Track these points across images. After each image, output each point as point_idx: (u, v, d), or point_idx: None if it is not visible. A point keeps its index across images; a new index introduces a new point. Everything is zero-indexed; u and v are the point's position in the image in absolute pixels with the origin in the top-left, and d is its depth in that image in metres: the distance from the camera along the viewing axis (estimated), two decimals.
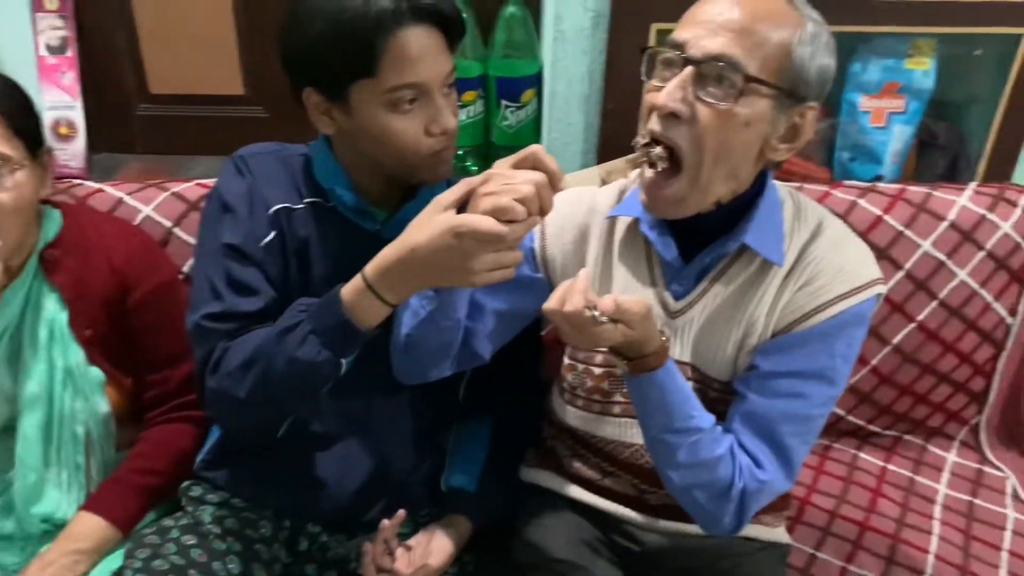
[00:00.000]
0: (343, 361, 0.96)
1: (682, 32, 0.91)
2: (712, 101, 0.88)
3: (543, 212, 0.85)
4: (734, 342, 1.02)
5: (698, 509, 1.03)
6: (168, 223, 1.32)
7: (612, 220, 1.07)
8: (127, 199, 1.33)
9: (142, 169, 1.71)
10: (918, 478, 1.48)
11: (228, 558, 1.09)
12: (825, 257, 0.99)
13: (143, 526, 1.15)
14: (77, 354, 1.12)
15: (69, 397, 1.12)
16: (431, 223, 0.86)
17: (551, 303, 0.90)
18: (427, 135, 0.99)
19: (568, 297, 0.89)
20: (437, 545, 1.09)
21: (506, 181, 0.84)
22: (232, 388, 0.98)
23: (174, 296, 1.18)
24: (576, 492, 1.18)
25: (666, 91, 0.90)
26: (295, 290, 1.07)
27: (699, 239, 1.00)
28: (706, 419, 1.00)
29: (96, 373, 1.13)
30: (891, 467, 1.50)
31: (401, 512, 1.07)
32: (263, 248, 1.05)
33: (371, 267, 0.92)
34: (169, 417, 1.19)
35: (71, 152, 1.62)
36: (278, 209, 1.07)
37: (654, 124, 0.92)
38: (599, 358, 1.08)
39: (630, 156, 0.90)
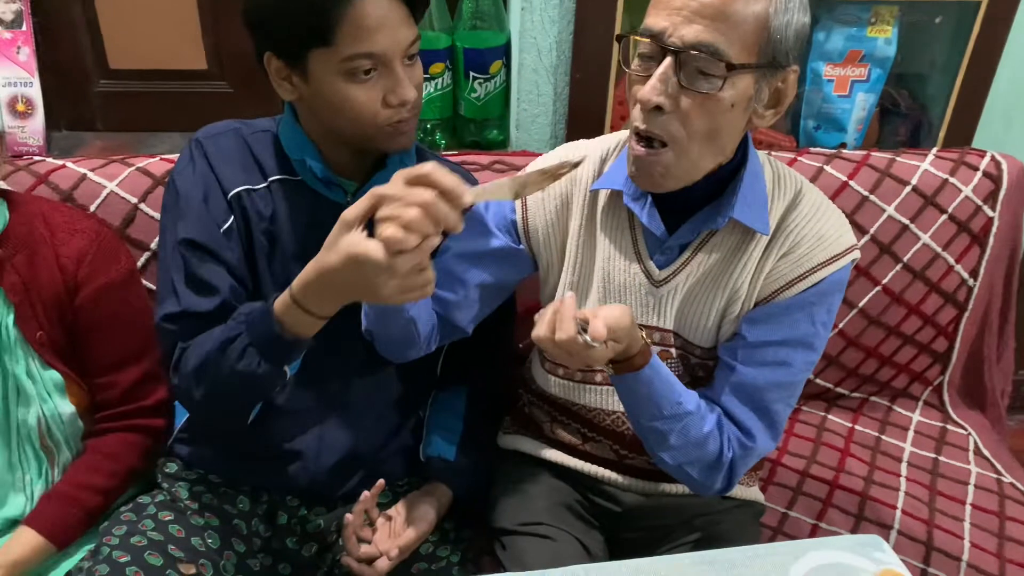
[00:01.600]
0: (286, 369, 0.97)
1: (656, 19, 0.89)
2: (696, 90, 0.88)
3: (446, 231, 0.81)
4: (717, 309, 1.04)
5: (691, 480, 1.06)
6: (134, 199, 1.30)
7: (595, 191, 1.06)
8: (91, 175, 1.30)
9: (103, 147, 1.67)
10: (884, 437, 1.51)
11: (207, 533, 1.09)
12: (805, 225, 1.01)
13: (119, 504, 1.14)
14: (27, 358, 1.07)
15: (25, 403, 1.07)
16: (337, 245, 0.85)
17: (540, 331, 0.90)
18: (385, 106, 0.99)
19: (559, 324, 0.89)
20: (418, 514, 1.09)
21: (398, 204, 0.79)
22: (190, 389, 1.01)
23: (123, 296, 1.13)
24: (555, 456, 1.20)
25: (649, 86, 0.89)
26: (266, 270, 1.07)
27: (682, 209, 1.01)
28: (691, 400, 1.02)
29: (53, 376, 1.08)
30: (858, 428, 1.53)
31: (380, 482, 1.07)
32: (222, 235, 1.04)
33: (297, 282, 0.92)
34: (118, 425, 1.14)
35: (29, 130, 1.57)
36: (238, 192, 1.06)
37: (639, 120, 0.92)
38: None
39: (546, 167, 0.85)
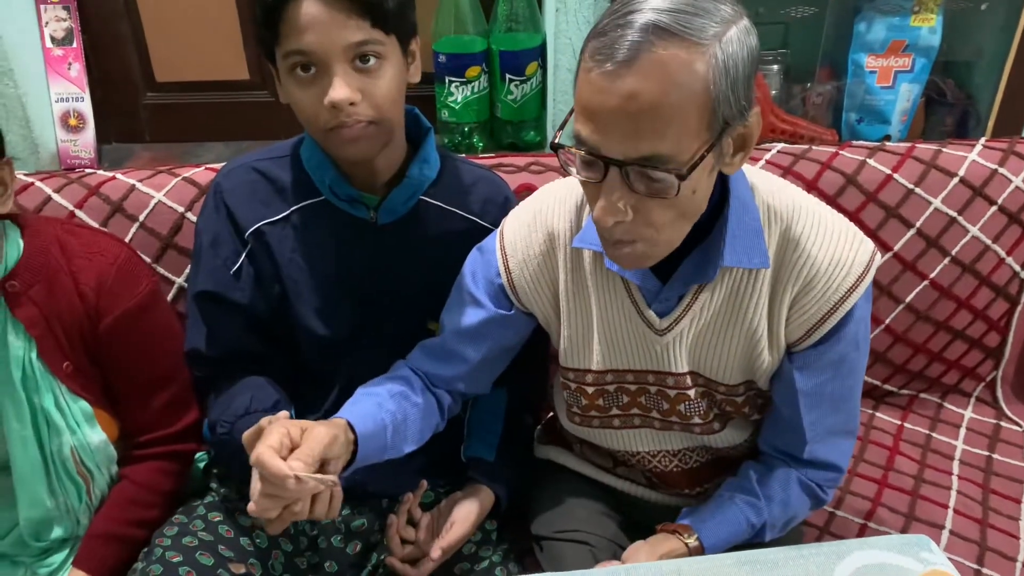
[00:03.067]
0: None
1: (588, 131, 0.78)
2: (653, 196, 0.79)
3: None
4: (738, 349, 0.98)
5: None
6: (181, 208, 1.33)
7: (577, 249, 0.99)
8: (139, 186, 1.34)
9: (152, 158, 1.72)
10: (935, 435, 1.48)
11: (255, 533, 1.11)
12: (815, 252, 0.92)
13: None
14: (55, 389, 1.04)
15: (56, 434, 1.05)
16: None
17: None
18: (323, 106, 0.97)
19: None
20: (460, 514, 1.10)
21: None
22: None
23: (147, 321, 1.09)
24: (588, 471, 1.20)
25: (601, 208, 0.80)
26: (301, 295, 1.11)
27: (672, 256, 0.90)
28: (766, 507, 1.03)
29: (82, 406, 1.06)
30: (908, 425, 1.50)
31: (423, 483, 1.09)
32: (232, 276, 1.10)
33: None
34: (150, 453, 1.13)
35: (81, 143, 1.63)
36: (257, 228, 1.09)
37: (604, 233, 0.84)
38: (589, 377, 1.05)
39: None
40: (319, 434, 0.87)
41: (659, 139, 0.75)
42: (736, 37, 0.76)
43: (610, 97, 0.74)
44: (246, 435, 0.87)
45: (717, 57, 0.74)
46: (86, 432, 1.06)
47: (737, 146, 0.83)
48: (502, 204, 1.16)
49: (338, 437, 0.90)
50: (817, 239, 0.92)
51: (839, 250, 0.92)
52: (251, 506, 0.85)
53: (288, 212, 1.10)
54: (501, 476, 1.16)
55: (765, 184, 0.95)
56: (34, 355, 1.02)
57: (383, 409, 0.99)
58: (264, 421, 0.87)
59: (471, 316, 1.06)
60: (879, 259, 0.97)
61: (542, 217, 1.01)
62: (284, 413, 0.92)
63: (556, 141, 0.82)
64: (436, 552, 1.05)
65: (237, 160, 1.15)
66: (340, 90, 0.95)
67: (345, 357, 1.13)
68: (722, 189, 0.90)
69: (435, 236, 1.12)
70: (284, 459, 0.82)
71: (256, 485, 0.84)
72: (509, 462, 1.18)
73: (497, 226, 1.11)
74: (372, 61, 0.97)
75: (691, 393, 1.02)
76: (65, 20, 1.58)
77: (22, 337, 1.02)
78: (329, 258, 1.10)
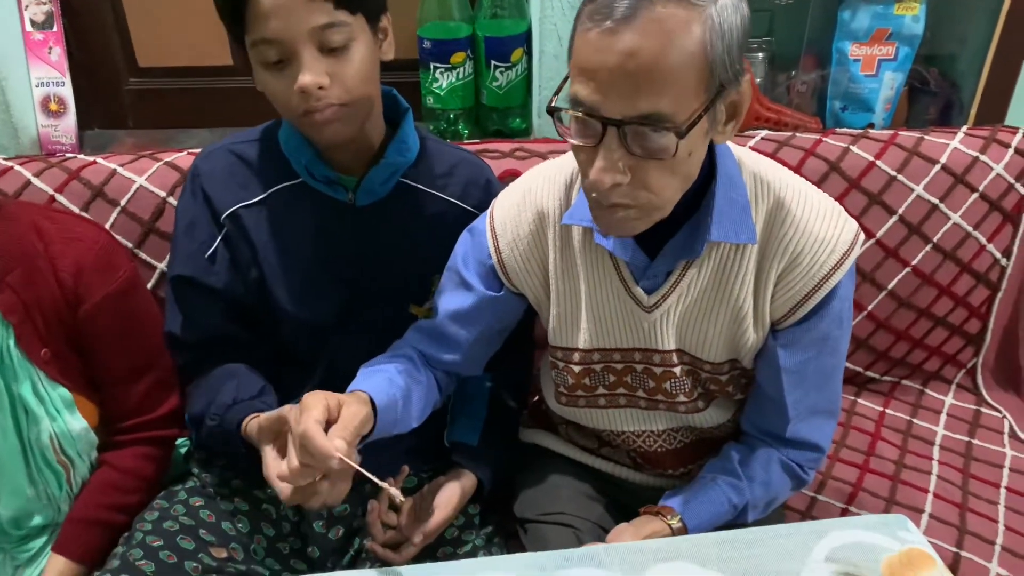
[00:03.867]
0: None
1: (586, 90, 0.78)
2: (650, 158, 0.79)
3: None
4: (723, 326, 0.99)
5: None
6: (162, 193, 1.32)
7: (567, 226, 1.00)
8: (120, 170, 1.33)
9: (134, 144, 1.70)
10: (916, 421, 1.49)
11: (236, 517, 1.11)
12: (801, 230, 0.93)
13: None
14: (33, 377, 1.03)
15: (34, 422, 1.04)
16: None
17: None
18: (294, 92, 0.96)
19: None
20: (442, 499, 1.10)
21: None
22: (192, 427, 1.12)
23: (127, 306, 1.09)
24: (573, 453, 1.21)
25: (598, 168, 0.80)
26: (279, 278, 1.10)
27: (659, 234, 0.92)
28: (748, 488, 1.04)
29: (62, 392, 1.05)
30: (890, 411, 1.51)
31: (404, 468, 1.09)
32: (207, 260, 1.10)
33: (255, 426, 1.00)
34: (132, 438, 1.12)
35: (62, 129, 1.62)
36: (233, 211, 1.09)
37: (600, 197, 0.83)
38: (576, 356, 1.06)
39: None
40: (356, 412, 0.89)
41: (658, 97, 0.76)
42: (730, 3, 0.77)
43: (610, 55, 0.75)
44: (287, 409, 0.89)
45: (713, 19, 0.76)
46: (67, 419, 1.05)
47: (729, 114, 0.84)
48: (484, 186, 1.16)
49: (369, 414, 0.92)
50: (804, 216, 0.93)
51: (825, 228, 0.93)
52: (281, 472, 0.86)
53: (265, 195, 1.10)
54: (484, 460, 1.16)
55: (752, 161, 0.96)
56: (11, 342, 1.01)
57: (394, 384, 1.00)
58: (306, 397, 0.89)
59: (462, 298, 1.07)
60: (863, 238, 0.98)
61: (531, 196, 1.02)
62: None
63: (552, 105, 0.82)
64: (418, 537, 1.05)
65: (216, 143, 1.14)
66: (308, 75, 0.94)
67: (326, 341, 1.13)
68: (710, 165, 0.91)
69: (415, 218, 1.12)
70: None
71: (294, 458, 0.85)
72: (492, 446, 1.18)
73: (479, 208, 1.12)
74: (339, 43, 0.96)
75: (677, 371, 1.03)
76: (45, 4, 1.56)
77: (0, 324, 1.00)
78: (307, 240, 1.10)
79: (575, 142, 0.82)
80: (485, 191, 1.15)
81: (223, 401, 1.05)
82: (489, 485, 1.16)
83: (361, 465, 0.88)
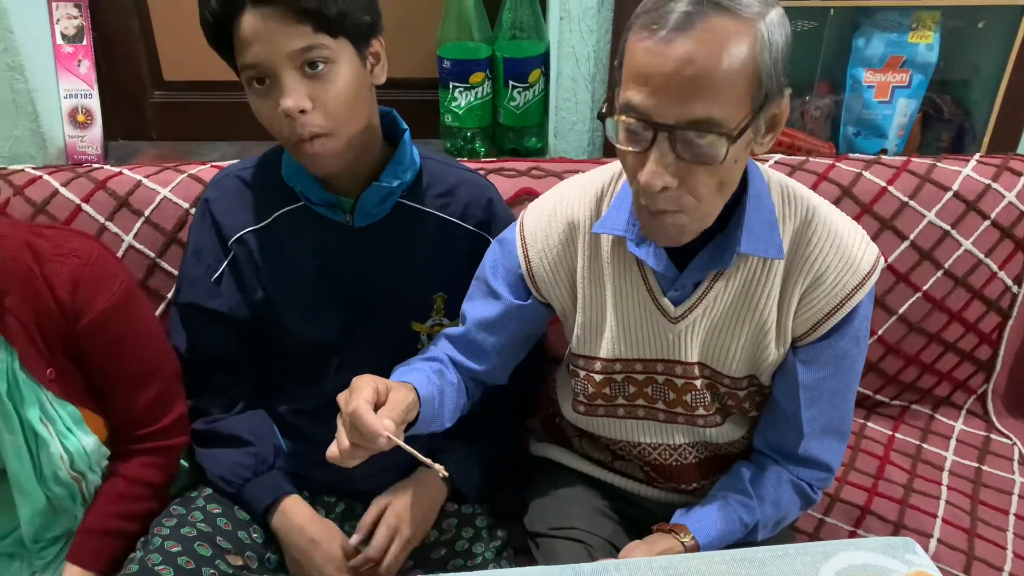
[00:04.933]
0: None
1: (640, 96, 0.81)
2: (700, 163, 0.82)
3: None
4: (746, 340, 1.01)
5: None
6: (185, 204, 1.35)
7: (597, 235, 1.02)
8: (145, 181, 1.36)
9: (157, 155, 1.74)
10: (926, 446, 1.50)
11: (252, 527, 1.13)
12: (827, 250, 0.96)
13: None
14: (41, 398, 1.03)
15: (43, 445, 1.04)
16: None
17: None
18: (280, 117, 0.97)
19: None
20: (405, 516, 1.11)
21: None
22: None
23: (125, 317, 1.07)
24: (585, 467, 1.22)
25: (649, 171, 0.82)
26: (284, 298, 1.13)
27: (690, 245, 0.94)
28: (759, 507, 1.05)
29: (71, 410, 1.05)
30: (899, 436, 1.52)
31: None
32: (213, 283, 1.13)
33: (283, 524, 1.11)
34: (140, 448, 1.12)
35: (88, 139, 1.65)
36: (240, 236, 1.13)
37: (645, 199, 0.86)
38: (598, 365, 1.07)
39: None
40: (403, 396, 0.92)
41: (711, 103, 0.79)
42: (776, 19, 0.82)
43: (666, 61, 0.78)
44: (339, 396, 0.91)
45: (762, 32, 0.80)
46: (79, 436, 1.06)
47: (768, 126, 0.87)
48: (486, 205, 1.17)
49: (415, 399, 0.95)
50: (830, 236, 0.97)
51: (849, 248, 0.97)
52: (332, 452, 0.89)
53: (270, 219, 1.13)
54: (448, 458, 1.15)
55: (780, 180, 0.99)
56: (16, 365, 1.01)
57: (431, 382, 1.02)
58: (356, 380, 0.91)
59: (490, 307, 1.09)
60: (883, 262, 1.01)
61: (562, 208, 1.04)
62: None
63: (603, 111, 0.86)
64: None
65: (225, 170, 1.18)
66: (289, 99, 0.95)
67: (332, 358, 1.15)
68: (741, 181, 0.93)
69: (415, 238, 1.13)
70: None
71: (344, 438, 0.88)
72: (460, 445, 1.17)
73: (482, 228, 1.15)
74: (321, 67, 0.96)
75: (698, 384, 1.05)
76: (76, 18, 1.60)
77: (3, 348, 1.00)
78: (310, 262, 1.12)
79: (625, 148, 0.85)
80: (487, 211, 1.16)
81: (241, 475, 1.13)
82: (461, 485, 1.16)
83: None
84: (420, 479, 1.14)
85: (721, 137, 0.80)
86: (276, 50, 0.95)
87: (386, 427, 0.86)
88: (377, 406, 0.89)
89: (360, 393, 0.88)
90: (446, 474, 0.89)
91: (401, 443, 0.86)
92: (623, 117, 0.83)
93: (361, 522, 1.11)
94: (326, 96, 0.97)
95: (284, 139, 1.01)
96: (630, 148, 0.84)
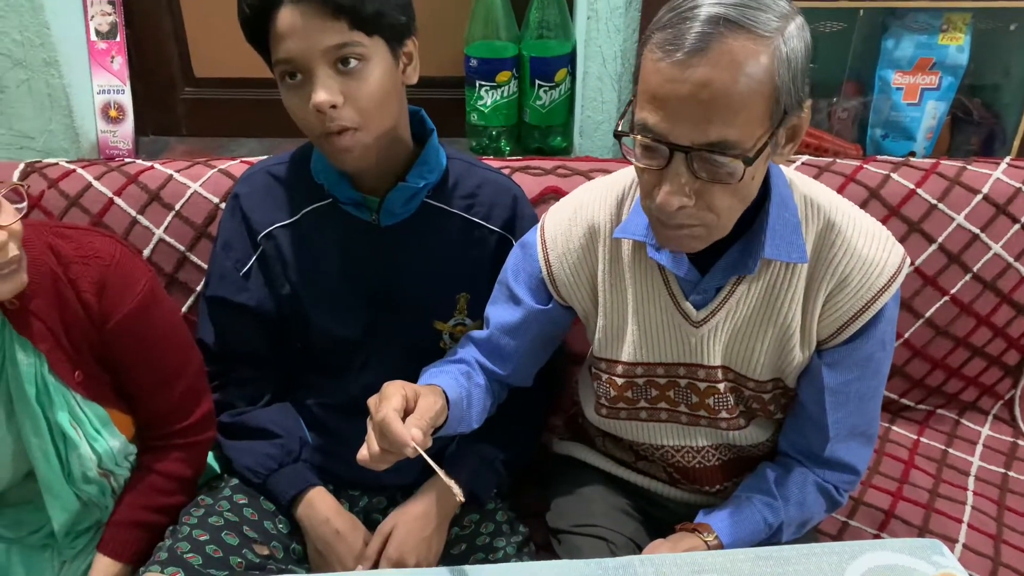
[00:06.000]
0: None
1: (655, 117, 0.80)
2: (717, 182, 0.82)
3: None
4: (770, 344, 1.01)
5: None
6: (215, 199, 1.37)
7: (617, 239, 1.02)
8: (176, 176, 1.38)
9: (187, 151, 1.76)
10: (951, 451, 1.48)
11: (278, 518, 1.14)
12: (851, 252, 0.95)
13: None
14: (69, 401, 1.03)
15: (72, 447, 1.05)
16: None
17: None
18: (312, 112, 0.98)
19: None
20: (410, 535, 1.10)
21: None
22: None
23: (150, 317, 1.07)
24: (608, 466, 1.22)
25: (665, 193, 0.82)
26: (309, 293, 1.14)
27: (712, 250, 0.93)
28: (783, 508, 1.05)
29: (98, 411, 1.06)
30: (924, 440, 1.50)
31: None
32: (242, 278, 1.15)
33: (308, 515, 1.13)
34: (172, 444, 1.13)
35: (120, 134, 1.68)
36: (269, 231, 1.14)
37: (665, 218, 0.85)
38: (620, 368, 1.07)
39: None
40: (431, 403, 0.93)
41: (728, 126, 0.78)
42: (795, 32, 0.80)
43: (682, 85, 0.77)
44: (369, 400, 0.92)
45: (780, 49, 0.78)
46: (106, 438, 1.07)
47: (788, 136, 0.86)
48: (510, 206, 1.17)
49: (443, 406, 0.96)
50: (853, 238, 0.95)
51: (874, 250, 0.95)
52: (362, 456, 0.90)
53: (298, 215, 1.14)
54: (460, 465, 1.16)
55: (803, 183, 0.98)
56: (45, 369, 1.01)
57: (459, 384, 1.03)
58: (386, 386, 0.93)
59: (513, 311, 1.09)
60: (909, 262, 1.00)
61: (583, 212, 1.04)
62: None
63: (618, 129, 0.85)
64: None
65: (256, 165, 1.19)
66: (321, 93, 0.96)
67: (357, 354, 1.16)
68: (763, 185, 0.92)
69: (439, 238, 1.14)
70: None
71: (374, 443, 0.89)
72: (471, 452, 1.17)
73: (506, 228, 1.15)
74: (354, 63, 0.97)
75: (721, 387, 1.04)
76: (110, 15, 1.63)
77: (31, 353, 1.00)
78: (336, 259, 1.13)
79: (640, 165, 0.84)
80: (511, 211, 1.17)
81: (266, 465, 1.15)
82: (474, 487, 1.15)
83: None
84: (431, 493, 1.13)
85: (737, 159, 0.79)
86: (311, 46, 0.95)
87: (414, 437, 0.87)
88: (406, 413, 0.90)
89: (389, 402, 0.89)
90: (462, 499, 0.90)
91: (425, 456, 0.87)
92: (639, 137, 0.82)
93: (367, 550, 1.10)
94: (358, 93, 0.98)
95: (314, 134, 1.01)
96: (647, 165, 0.83)
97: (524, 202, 1.20)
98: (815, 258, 0.96)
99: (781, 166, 0.96)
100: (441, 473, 0.88)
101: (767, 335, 1.00)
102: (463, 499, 0.90)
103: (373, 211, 1.11)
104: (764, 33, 0.77)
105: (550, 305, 1.08)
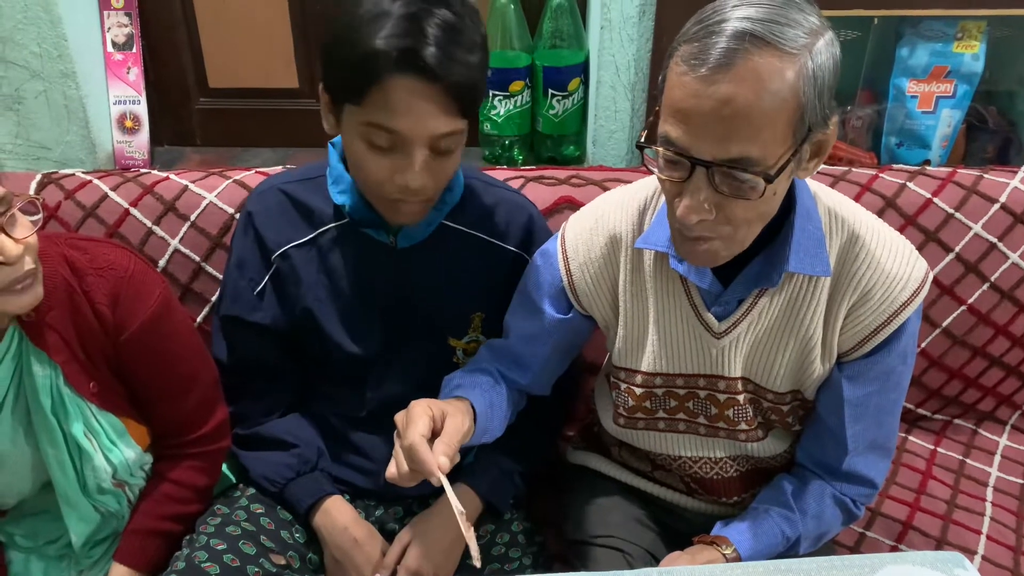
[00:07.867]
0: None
1: (678, 131, 0.80)
2: (738, 198, 0.81)
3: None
4: (791, 356, 1.00)
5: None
6: (230, 209, 1.37)
7: (639, 249, 1.01)
8: (192, 187, 1.39)
9: (201, 161, 1.77)
10: (969, 461, 1.47)
11: (294, 527, 1.14)
12: (874, 266, 0.95)
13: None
14: (84, 412, 1.04)
15: (87, 458, 1.05)
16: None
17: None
18: (392, 181, 0.97)
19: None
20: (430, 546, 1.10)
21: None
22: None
23: (164, 328, 1.07)
24: (625, 476, 1.21)
25: (685, 207, 0.82)
26: (325, 311, 1.14)
27: (735, 262, 0.92)
28: (800, 521, 1.04)
29: (113, 422, 1.06)
30: (941, 450, 1.49)
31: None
32: (255, 297, 1.14)
33: (325, 524, 1.12)
34: (188, 453, 1.14)
35: (136, 145, 1.69)
36: (284, 250, 1.13)
37: (684, 230, 0.86)
38: (639, 378, 1.07)
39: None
40: (459, 424, 0.93)
41: (750, 143, 0.78)
42: (823, 47, 0.79)
43: (705, 101, 0.77)
44: (396, 417, 0.93)
45: (807, 66, 0.77)
46: (121, 449, 1.07)
47: (813, 152, 0.85)
48: (524, 225, 1.17)
49: (471, 426, 0.96)
50: (877, 252, 0.95)
51: (897, 264, 0.95)
52: (391, 473, 0.90)
53: (314, 235, 1.13)
54: (477, 476, 1.16)
55: (827, 195, 0.97)
56: (61, 381, 1.02)
57: (484, 396, 1.03)
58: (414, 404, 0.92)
59: (533, 320, 1.09)
60: (931, 277, 0.99)
61: (604, 221, 1.04)
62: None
63: (641, 141, 0.85)
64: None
65: (267, 182, 1.18)
66: (418, 180, 0.96)
67: (372, 369, 1.16)
68: (788, 197, 0.92)
69: (455, 258, 1.14)
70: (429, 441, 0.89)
71: (403, 464, 0.89)
72: (490, 463, 1.17)
73: (521, 248, 1.15)
74: (452, 148, 0.98)
75: (740, 399, 1.04)
76: (127, 26, 1.64)
77: (46, 365, 1.01)
78: (352, 279, 1.13)
79: (663, 176, 0.84)
80: (526, 230, 1.17)
81: (283, 474, 1.15)
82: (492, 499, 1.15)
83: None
84: (445, 507, 1.13)
85: (759, 175, 0.79)
86: (423, 128, 0.94)
87: (440, 466, 0.87)
88: (433, 434, 0.90)
89: (415, 426, 0.88)
90: (473, 545, 0.88)
91: (446, 484, 0.88)
92: (661, 149, 0.82)
93: (386, 559, 1.09)
94: (444, 173, 1.00)
95: (380, 194, 1.01)
96: (669, 177, 0.83)
97: (539, 220, 1.20)
98: (838, 271, 0.96)
99: (807, 179, 0.95)
100: (455, 502, 0.89)
101: (788, 347, 0.99)
102: (473, 544, 0.89)
103: (392, 233, 1.11)
104: (791, 50, 0.77)
105: (570, 314, 1.08)
